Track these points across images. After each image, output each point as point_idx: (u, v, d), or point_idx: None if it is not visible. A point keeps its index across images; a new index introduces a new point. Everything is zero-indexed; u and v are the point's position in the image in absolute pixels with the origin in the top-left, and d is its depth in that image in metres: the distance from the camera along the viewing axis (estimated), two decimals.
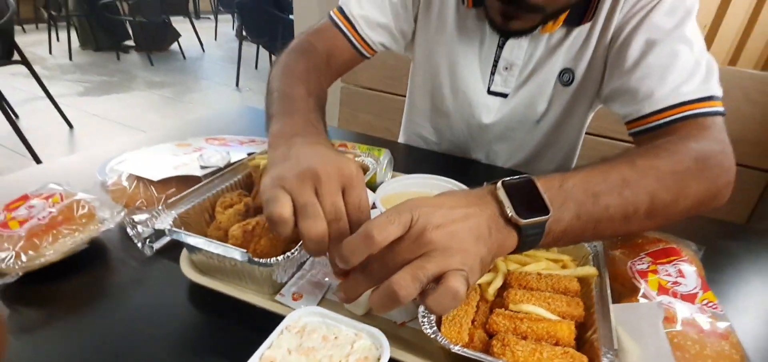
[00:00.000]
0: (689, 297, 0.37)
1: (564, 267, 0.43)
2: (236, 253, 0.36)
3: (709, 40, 1.03)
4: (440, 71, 0.70)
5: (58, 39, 4.60)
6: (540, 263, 0.43)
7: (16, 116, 2.31)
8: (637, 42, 0.53)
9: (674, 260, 0.41)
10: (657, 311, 0.32)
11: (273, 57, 3.77)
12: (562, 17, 0.57)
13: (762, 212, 1.04)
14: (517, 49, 0.63)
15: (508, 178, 0.35)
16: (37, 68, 2.31)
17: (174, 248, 0.44)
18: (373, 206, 0.52)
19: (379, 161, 0.56)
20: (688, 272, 0.39)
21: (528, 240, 0.34)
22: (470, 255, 0.31)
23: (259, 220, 0.40)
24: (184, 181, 0.50)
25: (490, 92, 0.68)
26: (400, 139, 0.88)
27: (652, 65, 0.52)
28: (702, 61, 0.52)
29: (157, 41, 4.59)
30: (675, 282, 0.38)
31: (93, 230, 0.42)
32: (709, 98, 0.51)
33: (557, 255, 0.44)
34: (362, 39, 0.65)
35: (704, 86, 0.51)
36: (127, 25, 4.60)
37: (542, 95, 0.65)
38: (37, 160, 2.00)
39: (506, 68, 0.65)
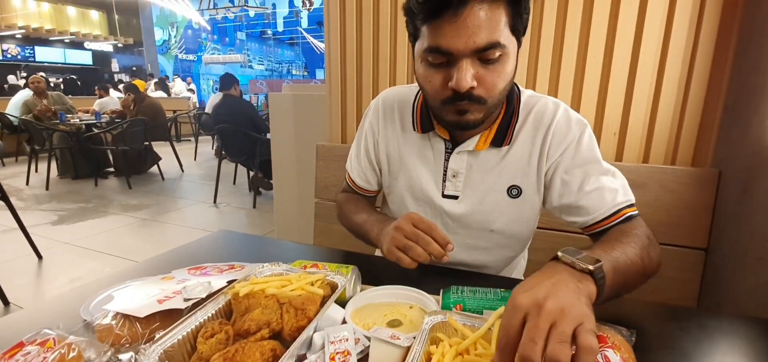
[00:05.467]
0: None
1: None
2: None
3: (621, 144, 1.21)
4: (403, 190, 0.85)
5: (36, 170, 4.66)
6: None
7: None
8: (576, 175, 0.73)
9: (601, 347, 0.47)
10: None
11: (251, 173, 3.93)
12: (490, 139, 0.75)
13: (708, 292, 1.14)
14: (459, 160, 0.78)
15: (558, 253, 0.49)
16: (12, 200, 2.33)
17: None
18: (344, 321, 0.57)
19: (347, 278, 0.63)
20: (613, 358, 0.45)
21: (600, 284, 0.47)
22: (581, 306, 0.40)
23: (238, 347, 0.45)
24: (167, 315, 0.54)
25: (444, 195, 0.81)
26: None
27: (590, 190, 0.72)
28: (620, 180, 0.73)
29: (137, 166, 4.71)
30: None
31: None
32: (633, 204, 0.72)
33: None
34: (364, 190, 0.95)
35: (628, 196, 0.72)
36: (109, 153, 4.74)
37: (487, 199, 0.79)
38: (4, 300, 1.92)
39: (454, 175, 0.80)
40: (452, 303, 0.58)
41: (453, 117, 0.69)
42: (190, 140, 7.28)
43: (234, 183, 4.46)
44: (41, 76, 4.73)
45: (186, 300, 0.56)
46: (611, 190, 0.71)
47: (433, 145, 0.81)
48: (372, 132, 0.89)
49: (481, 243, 0.83)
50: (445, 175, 0.81)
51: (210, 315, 0.53)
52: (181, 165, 5.20)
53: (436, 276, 0.78)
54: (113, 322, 0.52)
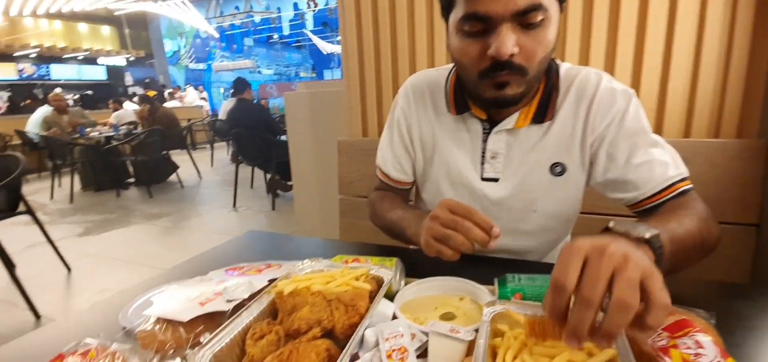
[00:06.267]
0: None
1: (590, 354, 0.44)
2: None
3: (659, 118, 1.15)
4: (439, 176, 0.81)
5: (59, 185, 4.77)
6: (564, 353, 0.44)
7: (14, 266, 2.30)
8: (622, 148, 0.68)
9: (689, 331, 0.42)
10: None
11: (268, 175, 3.94)
12: (530, 115, 0.71)
13: (762, 268, 1.06)
14: (498, 140, 0.74)
15: (610, 224, 0.46)
16: (37, 214, 2.37)
17: None
18: (394, 317, 0.54)
19: (393, 271, 0.60)
20: (705, 342, 0.41)
21: (658, 253, 0.44)
22: (647, 260, 0.35)
23: (291, 349, 0.42)
24: (210, 318, 0.51)
25: (483, 179, 0.77)
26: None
27: (639, 163, 0.67)
28: (669, 152, 0.68)
29: (156, 175, 4.78)
30: (696, 355, 0.40)
31: None
32: (686, 177, 0.66)
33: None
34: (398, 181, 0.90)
35: (680, 169, 0.67)
36: (128, 164, 4.82)
37: (529, 179, 0.75)
38: (36, 313, 1.95)
39: (493, 157, 0.76)
40: (510, 293, 0.54)
41: (492, 92, 0.65)
42: (205, 147, 7.37)
43: (251, 186, 4.48)
44: (59, 92, 4.82)
45: (228, 301, 0.53)
46: (662, 163, 0.66)
47: (468, 127, 0.77)
48: (405, 117, 0.84)
49: (525, 227, 0.79)
50: (483, 157, 0.77)
51: (255, 315, 0.50)
52: (198, 172, 5.26)
53: (477, 264, 0.74)
54: (156, 327, 0.50)
